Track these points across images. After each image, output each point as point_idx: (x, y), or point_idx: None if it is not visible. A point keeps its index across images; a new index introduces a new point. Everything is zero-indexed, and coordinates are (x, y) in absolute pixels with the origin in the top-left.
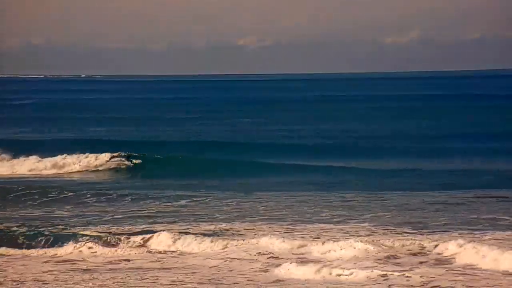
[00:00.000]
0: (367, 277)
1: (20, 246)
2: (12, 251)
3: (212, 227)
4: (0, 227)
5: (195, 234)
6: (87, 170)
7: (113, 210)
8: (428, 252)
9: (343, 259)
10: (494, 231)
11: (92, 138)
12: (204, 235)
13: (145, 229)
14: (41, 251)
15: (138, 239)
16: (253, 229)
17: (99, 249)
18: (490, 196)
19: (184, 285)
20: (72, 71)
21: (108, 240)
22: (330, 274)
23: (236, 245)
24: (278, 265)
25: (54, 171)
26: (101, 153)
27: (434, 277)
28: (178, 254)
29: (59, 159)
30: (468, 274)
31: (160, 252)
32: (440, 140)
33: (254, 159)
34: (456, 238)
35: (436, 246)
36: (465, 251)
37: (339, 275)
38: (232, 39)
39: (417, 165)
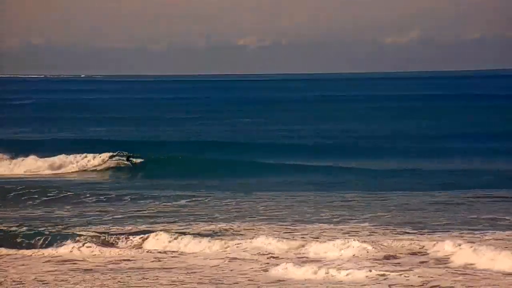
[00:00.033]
0: (367, 277)
1: (20, 246)
2: (12, 251)
3: (212, 227)
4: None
5: (195, 234)
6: (86, 170)
7: (113, 210)
8: (427, 252)
9: (343, 259)
10: (494, 231)
11: (92, 138)
12: (204, 235)
13: (145, 229)
14: (41, 251)
15: (138, 239)
16: (253, 229)
17: (99, 249)
18: (490, 196)
19: (184, 285)
20: (72, 71)
21: (108, 240)
22: (330, 274)
23: (236, 245)
24: (278, 265)
25: (53, 171)
26: (101, 153)
27: (433, 277)
28: (179, 254)
29: (58, 159)
30: (468, 274)
31: (160, 252)
32: (440, 140)
33: (254, 159)
34: (456, 238)
35: (436, 246)
36: (464, 251)
37: (339, 275)
38: (232, 39)
39: (417, 165)
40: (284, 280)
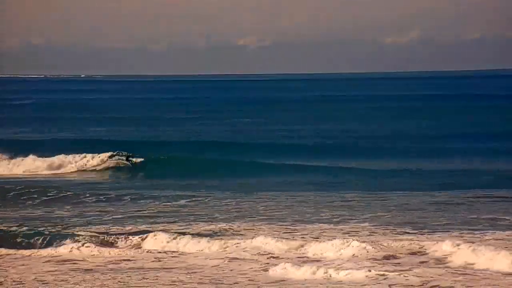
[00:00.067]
0: (366, 276)
1: (20, 246)
2: (12, 251)
3: (212, 227)
4: None
5: (195, 234)
6: (86, 170)
7: (113, 210)
8: (427, 252)
9: (343, 259)
10: (494, 231)
11: (92, 138)
12: (204, 235)
13: (145, 229)
14: (41, 251)
15: (137, 239)
16: (253, 229)
17: (98, 249)
18: (490, 196)
19: (184, 285)
20: (72, 71)
21: (108, 240)
22: (330, 274)
23: (236, 245)
24: (277, 265)
25: (52, 171)
26: (101, 153)
27: (433, 277)
28: (179, 254)
29: (57, 159)
30: (468, 274)
31: (160, 252)
32: (440, 140)
33: (254, 159)
34: (456, 238)
35: (435, 246)
36: (464, 251)
37: (338, 275)
38: (232, 39)
39: (417, 165)
40: (284, 280)
